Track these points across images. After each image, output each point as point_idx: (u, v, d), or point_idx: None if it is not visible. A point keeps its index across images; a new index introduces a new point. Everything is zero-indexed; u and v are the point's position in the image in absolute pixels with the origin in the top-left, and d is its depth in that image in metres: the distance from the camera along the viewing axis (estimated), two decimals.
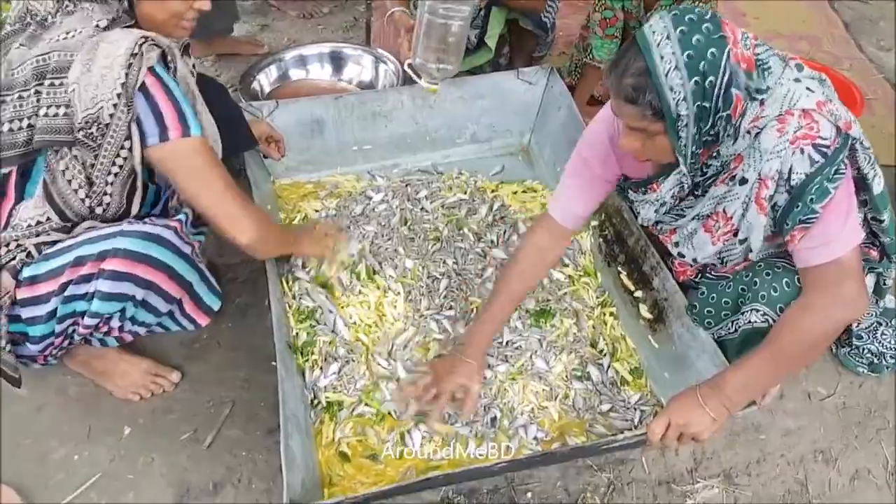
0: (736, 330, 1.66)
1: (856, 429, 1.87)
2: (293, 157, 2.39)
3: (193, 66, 1.76)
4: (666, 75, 1.35)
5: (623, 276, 2.00)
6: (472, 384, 1.71)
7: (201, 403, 1.86)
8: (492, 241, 2.15)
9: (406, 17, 2.36)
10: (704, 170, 1.54)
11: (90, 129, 1.46)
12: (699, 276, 1.81)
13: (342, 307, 1.93)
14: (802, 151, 1.39)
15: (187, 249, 1.62)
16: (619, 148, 1.55)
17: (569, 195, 1.75)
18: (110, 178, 1.54)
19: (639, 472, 1.75)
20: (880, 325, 1.88)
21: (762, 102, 1.43)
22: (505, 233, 2.19)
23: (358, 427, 1.72)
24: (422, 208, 2.30)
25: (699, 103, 1.36)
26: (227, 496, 1.68)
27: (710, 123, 1.40)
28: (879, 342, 1.89)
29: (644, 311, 1.91)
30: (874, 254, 1.71)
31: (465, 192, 2.35)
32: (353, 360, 1.82)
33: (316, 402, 1.76)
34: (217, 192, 1.58)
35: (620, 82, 1.39)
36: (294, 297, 1.95)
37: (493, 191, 2.38)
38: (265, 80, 2.72)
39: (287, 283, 1.97)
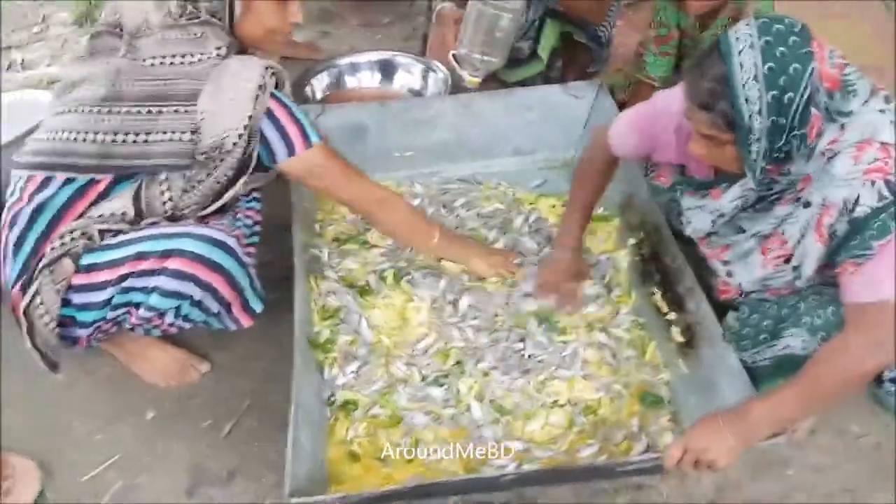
0: (772, 357, 1.61)
1: (888, 472, 1.77)
2: None
3: None
4: (743, 85, 1.32)
5: (657, 296, 1.94)
6: (571, 282, 1.90)
7: (223, 393, 1.89)
8: (520, 254, 2.11)
9: (455, 11, 2.37)
10: (771, 185, 1.49)
11: (212, 153, 1.56)
12: (742, 295, 1.75)
13: (367, 308, 1.94)
14: (873, 184, 1.35)
15: (247, 259, 1.69)
16: (687, 151, 1.52)
17: (631, 128, 1.77)
18: (209, 193, 1.63)
19: (656, 498, 1.69)
20: None
21: (843, 126, 1.39)
22: (539, 244, 2.16)
23: (371, 428, 1.71)
24: (457, 216, 2.29)
25: (774, 118, 1.33)
26: (238, 485, 1.70)
27: (783, 140, 1.36)
28: None
29: (676, 333, 1.85)
30: None
31: (503, 203, 2.33)
32: (372, 362, 1.81)
33: (332, 399, 1.76)
34: (352, 190, 1.78)
35: (697, 86, 1.37)
36: (320, 295, 1.96)
37: (531, 203, 2.36)
38: (318, 85, 2.77)
39: (315, 281, 1.99)
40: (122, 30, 1.61)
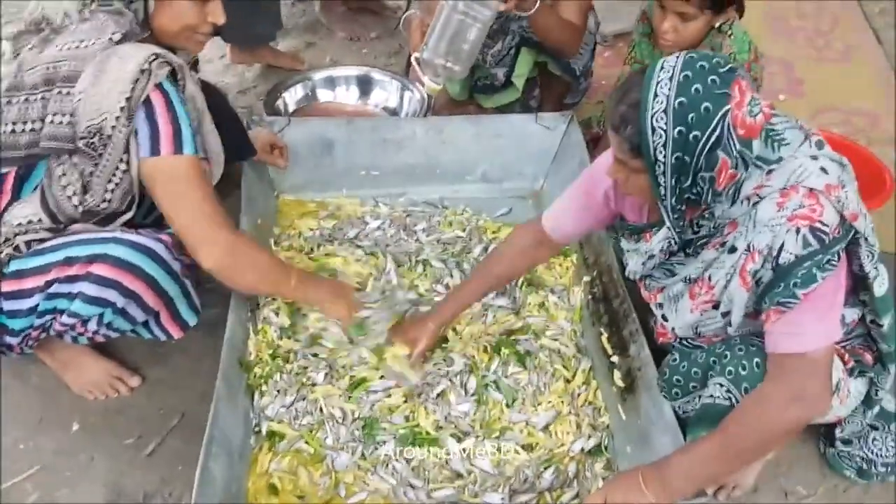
0: (698, 406, 1.58)
1: None
2: (300, 174, 2.40)
3: (198, 80, 1.78)
4: (652, 115, 1.30)
5: (604, 338, 1.92)
6: (421, 337, 1.78)
7: (153, 409, 1.86)
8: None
9: (424, 15, 2.35)
10: (696, 229, 1.47)
11: (92, 139, 1.51)
12: (678, 340, 1.72)
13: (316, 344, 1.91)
14: (798, 231, 1.31)
15: (176, 266, 1.65)
16: (606, 173, 1.51)
17: (565, 209, 1.74)
18: (110, 187, 1.58)
19: None
20: (875, 428, 1.75)
21: (770, 172, 1.36)
22: None
23: (294, 463, 1.68)
24: (417, 240, 2.27)
25: (678, 154, 1.31)
26: None
27: (689, 180, 1.34)
28: (870, 448, 1.75)
29: (618, 378, 1.82)
30: (868, 357, 1.60)
31: (464, 230, 2.31)
32: (308, 397, 1.78)
33: (258, 428, 1.74)
34: (190, 214, 1.57)
35: (615, 107, 1.36)
36: (263, 318, 1.93)
37: (493, 232, 2.34)
38: (291, 98, 2.75)
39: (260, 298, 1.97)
40: (45, 26, 1.61)
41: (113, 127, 1.49)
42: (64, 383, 1.87)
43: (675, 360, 1.64)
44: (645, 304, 1.80)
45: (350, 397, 1.78)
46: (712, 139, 1.29)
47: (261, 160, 2.24)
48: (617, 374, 1.83)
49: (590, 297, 2.06)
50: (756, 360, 1.46)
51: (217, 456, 1.50)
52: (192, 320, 1.75)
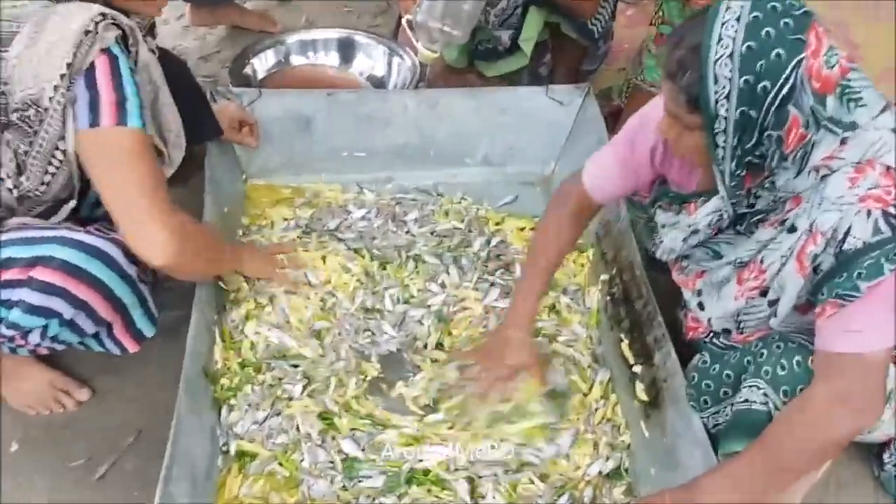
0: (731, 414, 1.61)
1: None
2: (272, 155, 2.44)
3: (155, 47, 1.80)
4: (716, 61, 1.31)
5: (624, 344, 1.96)
6: (526, 360, 1.82)
7: (105, 426, 1.89)
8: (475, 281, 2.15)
9: None
10: (752, 200, 1.49)
11: (27, 111, 1.51)
12: (710, 336, 1.76)
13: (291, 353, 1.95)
14: (869, 214, 1.32)
15: (132, 270, 1.67)
16: (656, 130, 1.53)
17: (607, 167, 1.77)
18: (50, 169, 1.58)
19: None
20: None
21: (844, 141, 1.37)
22: (496, 272, 2.18)
23: (266, 487, 1.71)
24: (407, 231, 2.31)
25: (744, 109, 1.32)
26: None
27: (754, 139, 1.35)
28: None
29: (640, 390, 1.86)
30: None
31: (462, 221, 2.35)
32: (283, 412, 1.81)
33: (226, 448, 1.77)
34: (128, 196, 1.55)
35: (671, 52, 1.38)
36: (231, 320, 1.98)
37: (496, 223, 2.38)
38: (261, 65, 2.78)
39: (228, 300, 2.01)
40: None
41: (51, 98, 1.48)
42: (0, 397, 1.90)
43: (704, 362, 1.67)
44: (670, 302, 1.85)
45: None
46: (784, 91, 1.30)
47: (227, 139, 2.27)
48: (639, 387, 1.86)
49: (608, 298, 2.09)
50: (797, 357, 1.49)
51: (179, 479, 1.53)
52: (148, 332, 1.79)
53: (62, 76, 1.48)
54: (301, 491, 1.71)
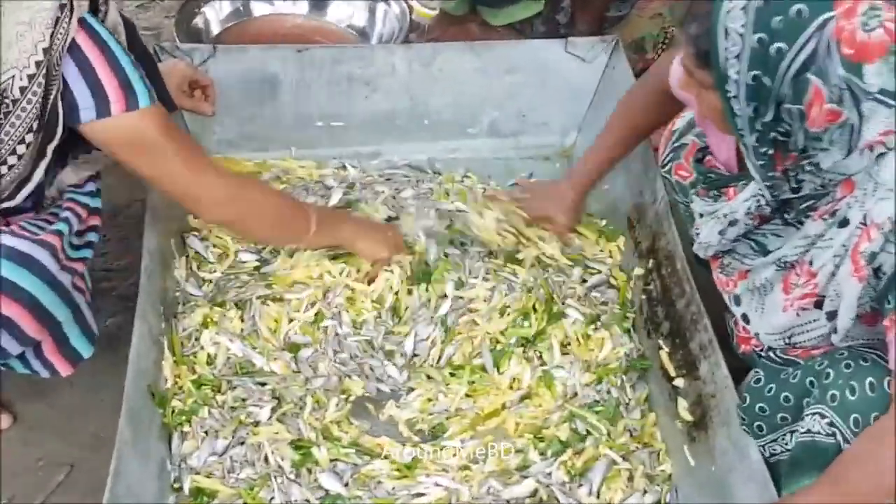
0: (792, 447, 1.63)
1: None
2: (232, 126, 2.46)
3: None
4: (728, 12, 1.34)
5: (664, 353, 1.98)
6: (559, 217, 2.14)
7: (30, 461, 1.92)
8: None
9: None
10: (794, 184, 1.51)
11: None
12: (765, 350, 1.79)
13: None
14: None
15: (65, 279, 1.69)
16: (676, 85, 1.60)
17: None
18: (3, 170, 1.59)
19: None
20: None
21: None
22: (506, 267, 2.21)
23: None
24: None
25: (756, 73, 1.35)
26: None
27: (771, 112, 1.38)
28: None
29: (683, 408, 1.89)
30: None
31: (466, 203, 2.37)
32: (248, 440, 1.84)
33: (178, 485, 1.79)
34: (172, 176, 1.75)
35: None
36: (183, 329, 2.00)
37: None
38: (214, 15, 2.80)
39: (177, 302, 2.04)
40: None
41: (23, 90, 1.51)
42: None
43: (758, 380, 1.69)
44: (720, 303, 1.87)
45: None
46: (802, 57, 1.32)
47: (177, 106, 2.28)
48: (682, 404, 1.89)
49: (643, 296, 2.12)
50: (869, 379, 1.50)
51: None
52: (85, 351, 1.81)
53: (37, 63, 1.51)
54: None
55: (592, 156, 2.13)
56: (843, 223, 1.45)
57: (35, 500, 1.86)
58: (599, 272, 2.25)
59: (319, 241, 2.05)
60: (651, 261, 2.12)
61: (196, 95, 2.30)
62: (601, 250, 2.30)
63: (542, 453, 1.87)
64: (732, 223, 1.63)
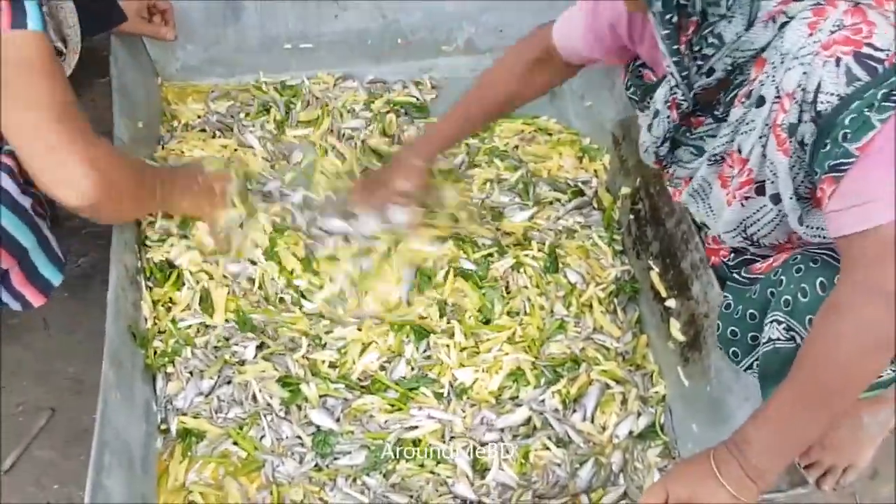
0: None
1: None
2: (196, 52, 2.42)
3: None
4: None
5: (654, 273, 1.99)
6: (413, 184, 2.02)
7: (9, 408, 1.91)
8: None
9: None
10: (702, 62, 1.49)
11: None
12: (733, 258, 1.79)
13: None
14: (839, 63, 1.32)
15: (26, 202, 1.65)
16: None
17: (575, 21, 1.83)
18: None
19: None
20: None
21: None
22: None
23: (219, 472, 1.75)
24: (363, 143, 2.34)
25: None
26: None
27: None
28: None
29: (676, 329, 1.91)
30: None
31: None
32: (235, 378, 1.84)
33: (165, 426, 1.80)
34: (35, 121, 1.54)
35: None
36: (148, 260, 1.98)
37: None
38: None
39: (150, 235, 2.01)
40: None
41: None
42: None
43: (728, 305, 1.71)
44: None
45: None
46: None
47: (135, 31, 2.23)
48: (675, 325, 1.91)
49: (631, 216, 2.12)
50: (820, 279, 1.51)
51: (112, 469, 1.55)
52: (55, 279, 1.78)
53: None
54: (264, 474, 1.76)
55: (439, 131, 2.08)
56: (760, 102, 1.45)
57: (16, 448, 1.85)
58: (584, 194, 2.26)
59: (164, 209, 1.96)
60: (638, 179, 2.11)
61: (155, 20, 2.26)
62: (584, 170, 2.29)
63: (536, 382, 1.89)
64: (655, 115, 1.63)
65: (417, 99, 2.50)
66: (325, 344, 1.92)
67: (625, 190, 2.16)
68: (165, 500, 1.72)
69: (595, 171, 2.30)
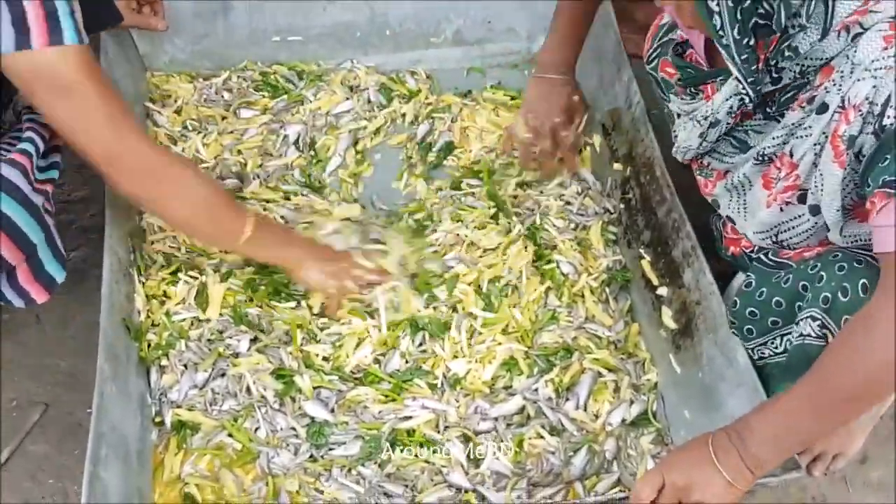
0: (785, 350, 1.66)
1: None
2: (184, 45, 2.42)
3: None
4: None
5: (645, 262, 2.01)
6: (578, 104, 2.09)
7: (3, 402, 1.92)
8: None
9: None
10: (775, 74, 1.50)
11: None
12: (757, 252, 1.80)
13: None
14: None
15: (38, 200, 1.66)
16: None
17: None
18: None
19: None
20: None
21: None
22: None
23: (214, 464, 1.77)
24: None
25: None
26: None
27: None
28: None
29: (668, 317, 1.93)
30: None
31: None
32: (227, 374, 1.85)
33: (159, 419, 1.81)
34: (91, 128, 1.59)
35: None
36: (152, 253, 2.00)
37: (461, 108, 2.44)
38: None
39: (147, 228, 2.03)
40: None
41: None
42: None
43: (749, 284, 1.72)
44: (703, 208, 1.89)
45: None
46: None
47: (126, 22, 2.22)
48: (666, 312, 1.93)
49: (622, 205, 2.14)
50: (863, 281, 1.51)
51: (108, 461, 1.56)
52: (59, 276, 1.79)
53: None
54: (259, 465, 1.77)
55: (558, 35, 2.08)
56: (822, 109, 1.46)
57: (10, 443, 1.87)
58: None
59: (255, 251, 1.91)
60: (629, 168, 2.13)
61: (144, 12, 2.25)
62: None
63: (529, 372, 1.90)
64: (714, 124, 1.63)
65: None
66: (320, 340, 1.93)
67: (615, 178, 2.18)
68: (161, 493, 1.73)
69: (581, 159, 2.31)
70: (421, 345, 1.93)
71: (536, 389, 1.88)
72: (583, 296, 2.05)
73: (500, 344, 1.91)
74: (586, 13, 2.04)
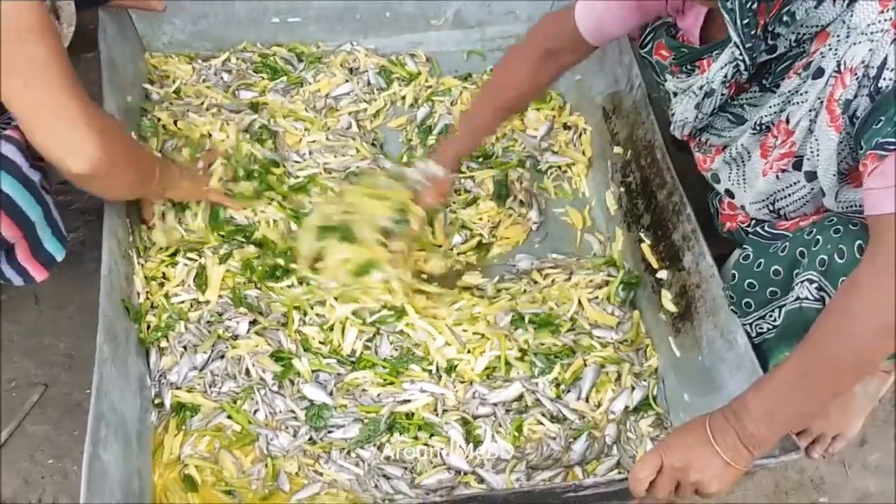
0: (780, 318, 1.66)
1: None
2: (184, 26, 2.42)
3: None
4: None
5: (645, 246, 2.02)
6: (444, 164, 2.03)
7: (2, 382, 1.92)
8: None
9: None
10: (771, 41, 1.51)
11: None
12: (752, 225, 1.80)
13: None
14: None
15: (35, 176, 1.65)
16: None
17: (603, 3, 1.81)
18: None
19: None
20: None
21: None
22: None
23: (214, 445, 1.78)
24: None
25: None
26: None
27: None
28: None
29: (668, 300, 1.93)
30: None
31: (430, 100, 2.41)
32: (228, 352, 1.86)
33: (159, 400, 1.82)
34: (38, 90, 1.51)
35: None
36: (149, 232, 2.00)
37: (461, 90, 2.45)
38: None
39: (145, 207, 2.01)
40: None
41: None
42: None
43: (746, 257, 1.71)
44: (702, 188, 1.90)
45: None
46: None
47: (124, 3, 2.22)
48: (666, 296, 1.94)
49: (622, 189, 2.14)
50: (858, 242, 1.51)
51: (108, 441, 1.57)
52: (58, 254, 1.78)
53: None
54: (258, 447, 1.78)
55: (459, 136, 2.09)
56: (818, 73, 1.47)
57: (10, 423, 1.87)
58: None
59: (160, 194, 1.95)
60: (630, 152, 2.13)
61: None
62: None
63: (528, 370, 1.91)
64: (708, 94, 1.63)
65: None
66: (309, 319, 1.94)
67: (616, 163, 2.18)
68: (161, 473, 1.74)
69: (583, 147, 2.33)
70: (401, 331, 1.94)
71: (537, 383, 1.88)
72: (581, 305, 2.04)
73: (486, 338, 1.93)
74: (496, 121, 2.10)
